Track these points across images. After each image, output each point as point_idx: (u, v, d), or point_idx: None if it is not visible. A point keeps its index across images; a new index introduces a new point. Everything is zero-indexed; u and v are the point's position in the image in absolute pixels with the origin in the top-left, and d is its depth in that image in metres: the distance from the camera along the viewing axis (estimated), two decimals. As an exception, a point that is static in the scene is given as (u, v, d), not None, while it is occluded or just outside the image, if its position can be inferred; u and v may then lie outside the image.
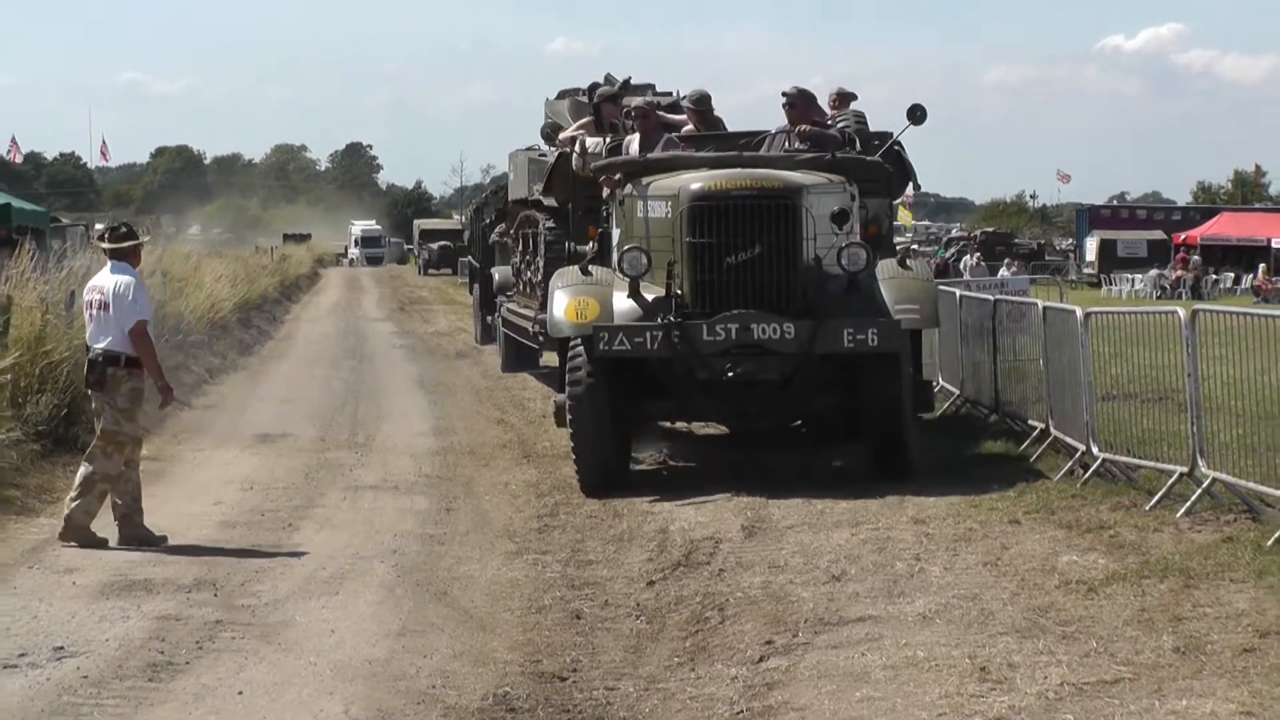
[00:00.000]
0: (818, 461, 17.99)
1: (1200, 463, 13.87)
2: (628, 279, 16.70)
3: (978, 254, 79.12)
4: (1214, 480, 13.68)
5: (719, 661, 10.65)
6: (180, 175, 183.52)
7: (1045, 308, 18.82)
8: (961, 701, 9.09)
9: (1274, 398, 13.21)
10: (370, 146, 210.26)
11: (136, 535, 14.93)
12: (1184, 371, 14.25)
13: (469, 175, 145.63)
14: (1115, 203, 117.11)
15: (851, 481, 16.54)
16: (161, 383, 15.19)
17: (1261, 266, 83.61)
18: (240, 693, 10.15)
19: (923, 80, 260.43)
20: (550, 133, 19.07)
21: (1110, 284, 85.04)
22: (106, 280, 15.12)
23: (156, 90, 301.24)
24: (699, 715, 9.48)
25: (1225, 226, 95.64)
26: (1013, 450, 18.14)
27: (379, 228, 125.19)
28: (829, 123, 19.14)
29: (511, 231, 27.21)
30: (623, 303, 16.79)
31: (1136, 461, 15.16)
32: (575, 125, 21.11)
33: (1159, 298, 72.37)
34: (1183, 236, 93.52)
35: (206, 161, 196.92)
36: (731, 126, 19.88)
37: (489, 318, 33.48)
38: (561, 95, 24.36)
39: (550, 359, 25.42)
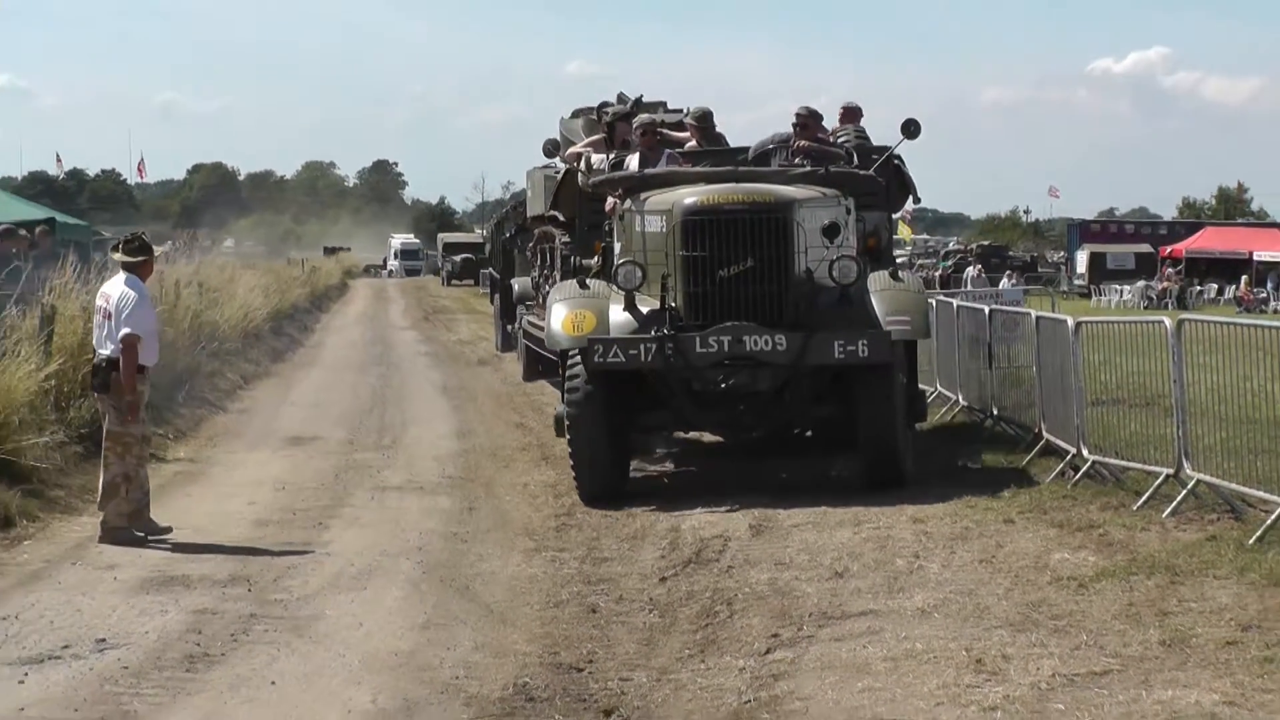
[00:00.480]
0: (816, 470, 17.78)
1: (1185, 465, 13.86)
2: (623, 292, 16.42)
3: (979, 266, 79.12)
4: (1198, 481, 13.68)
5: (728, 653, 10.65)
6: (216, 191, 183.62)
7: (1038, 317, 18.82)
8: (958, 692, 9.09)
9: (1256, 403, 13.20)
10: (396, 164, 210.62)
11: (146, 528, 15.07)
12: (1170, 378, 14.24)
13: (490, 191, 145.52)
14: (1104, 218, 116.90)
15: (852, 486, 16.44)
16: (131, 396, 15.10)
17: (1244, 278, 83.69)
18: (273, 683, 10.16)
19: (922, 100, 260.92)
20: (551, 149, 18.75)
21: (1100, 295, 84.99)
22: (114, 290, 15.27)
23: (193, 110, 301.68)
24: (709, 705, 9.48)
25: (1209, 240, 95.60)
26: (1007, 453, 18.13)
27: (417, 241, 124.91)
28: (832, 139, 18.94)
29: (531, 246, 27.12)
30: (619, 315, 16.42)
31: (1125, 464, 15.16)
32: (584, 142, 20.85)
33: (1146, 308, 72.33)
34: (1169, 250, 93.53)
35: (241, 178, 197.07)
36: (743, 143, 19.67)
37: (509, 326, 33.42)
38: (575, 114, 24.19)
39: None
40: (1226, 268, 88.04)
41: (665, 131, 19.29)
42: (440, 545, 14.76)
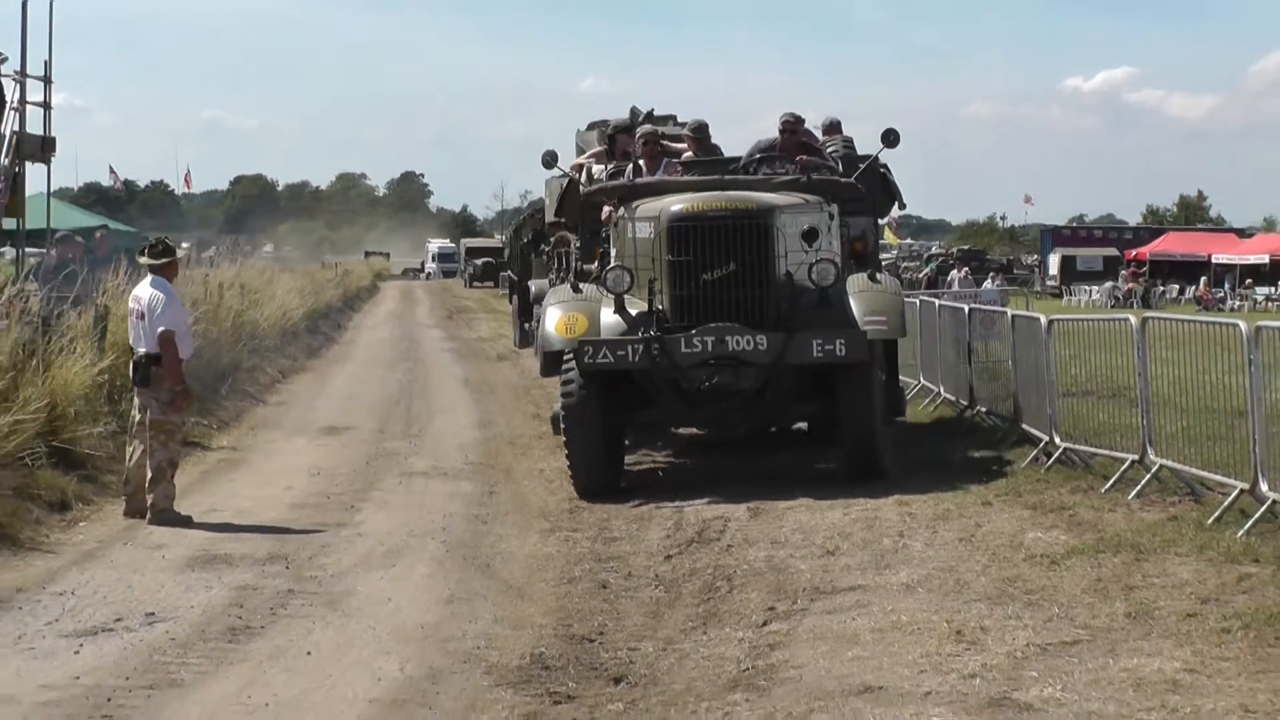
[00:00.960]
0: (806, 462, 17.55)
1: (1149, 451, 13.86)
2: (613, 296, 16.07)
3: (966, 269, 79.09)
4: (1161, 466, 13.67)
5: (728, 625, 10.65)
6: (256, 200, 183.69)
7: (1014, 316, 18.83)
8: (940, 660, 9.09)
9: (1214, 394, 13.20)
10: (422, 175, 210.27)
11: (171, 516, 15.13)
12: (1135, 371, 14.24)
13: (508, 200, 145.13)
14: (1075, 224, 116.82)
15: (840, 475, 16.19)
16: (181, 386, 15.33)
17: (1203, 279, 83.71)
18: (309, 653, 10.17)
19: (908, 115, 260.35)
20: (550, 159, 18.42)
21: (1070, 295, 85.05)
22: (144, 292, 15.52)
23: (235, 125, 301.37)
24: (710, 673, 9.47)
25: (1171, 244, 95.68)
26: (985, 441, 18.11)
27: (453, 245, 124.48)
28: (823, 146, 18.71)
29: (547, 250, 27.03)
30: (609, 318, 16.05)
31: (1093, 450, 15.14)
32: (587, 154, 20.52)
33: (1113, 307, 72.34)
34: (1134, 253, 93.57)
35: (279, 188, 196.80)
36: (742, 152, 19.40)
37: (526, 325, 33.31)
38: (591, 127, 24.01)
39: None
40: (1187, 270, 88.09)
41: (665, 143, 19.10)
42: (463, 526, 14.76)
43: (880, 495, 14.78)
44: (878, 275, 16.60)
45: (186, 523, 14.92)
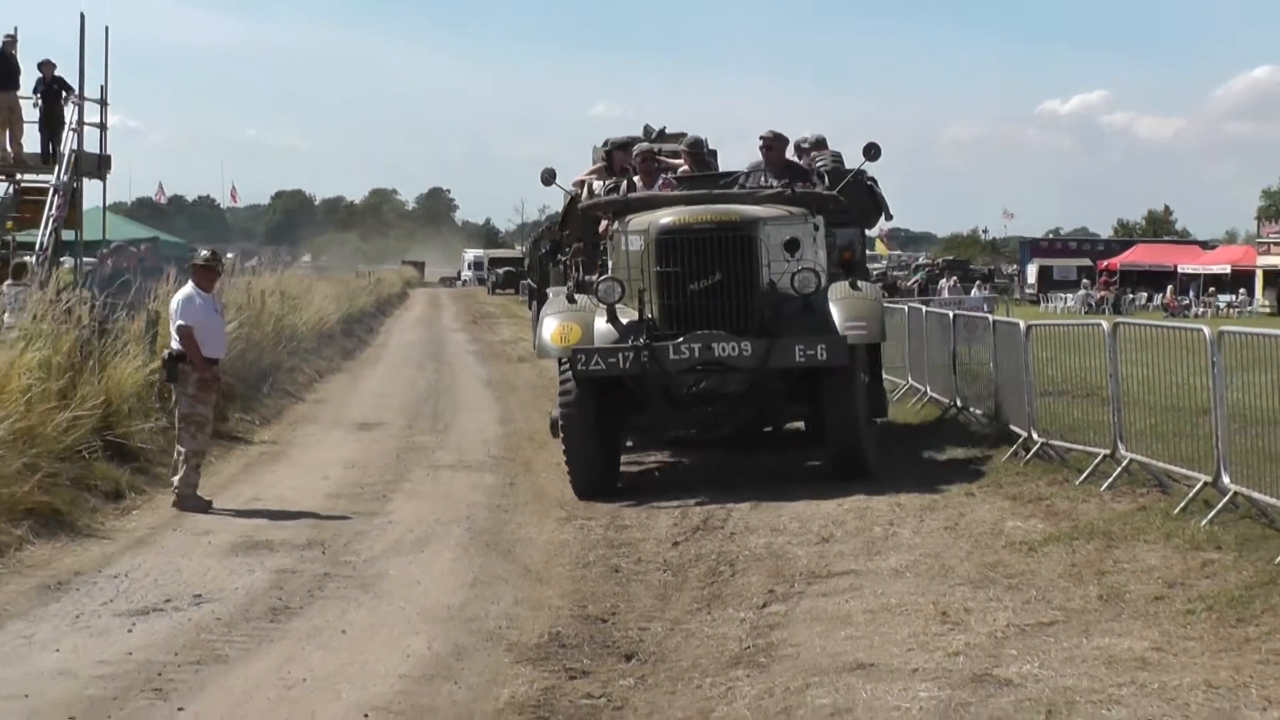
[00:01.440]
0: (800, 459, 17.36)
1: (1120, 446, 13.84)
2: (605, 306, 15.67)
3: (954, 278, 79.08)
4: (1131, 460, 13.66)
5: (730, 607, 10.64)
6: (295, 214, 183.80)
7: (995, 321, 18.82)
8: (926, 639, 9.08)
9: (1180, 394, 13.18)
10: (449, 190, 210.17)
11: (194, 502, 15.23)
12: (1107, 372, 14.22)
13: (528, 214, 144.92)
14: (1051, 236, 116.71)
15: (831, 471, 16.26)
16: (205, 373, 15.39)
17: (1169, 288, 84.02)
18: (343, 632, 10.17)
19: (896, 135, 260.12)
20: (548, 178, 18.03)
21: (1047, 301, 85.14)
22: (173, 297, 16.03)
23: (276, 144, 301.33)
24: (714, 650, 9.47)
25: (1140, 255, 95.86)
26: (969, 437, 18.09)
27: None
28: (811, 161, 18.29)
29: (565, 260, 26.88)
30: (602, 327, 15.68)
31: (1068, 445, 15.12)
32: (588, 170, 20.04)
33: (1086, 313, 72.29)
34: (1106, 263, 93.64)
35: (316, 203, 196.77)
36: (741, 168, 19.13)
37: (543, 329, 33.20)
38: (606, 144, 23.84)
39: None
40: (1154, 279, 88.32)
41: (663, 159, 18.87)
42: (486, 515, 14.76)
43: (871, 487, 14.77)
44: (859, 283, 16.21)
45: (206, 508, 15.03)
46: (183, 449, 15.26)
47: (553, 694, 8.65)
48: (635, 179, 17.97)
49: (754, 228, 15.69)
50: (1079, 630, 9.05)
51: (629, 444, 17.52)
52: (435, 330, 51.86)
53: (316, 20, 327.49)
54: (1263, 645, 8.40)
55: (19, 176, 29.90)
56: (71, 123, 29.46)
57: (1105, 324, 14.91)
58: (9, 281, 26.00)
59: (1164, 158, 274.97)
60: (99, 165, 30.99)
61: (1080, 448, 14.78)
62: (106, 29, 30.49)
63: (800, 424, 18.21)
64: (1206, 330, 12.50)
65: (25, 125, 29.58)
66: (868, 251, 25.57)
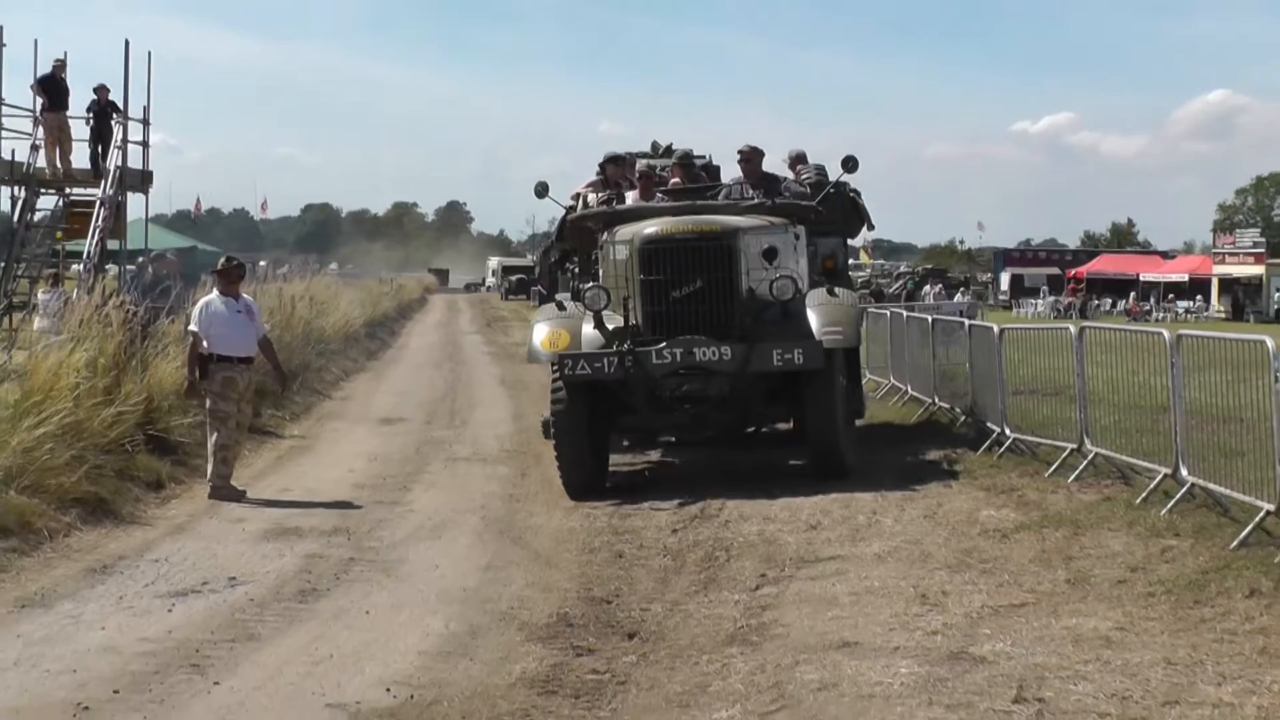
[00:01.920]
0: (779, 459, 16.93)
1: (1086, 441, 13.84)
2: (591, 313, 15.25)
3: (940, 285, 79.07)
4: (1096, 454, 13.66)
5: (725, 589, 10.64)
6: (323, 225, 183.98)
7: (970, 325, 18.83)
8: (907, 619, 9.08)
9: (1141, 393, 13.19)
10: (465, 203, 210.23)
11: (227, 491, 15.25)
12: (1074, 372, 14.21)
13: (538, 225, 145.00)
14: (1022, 246, 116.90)
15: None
16: (189, 378, 15.61)
17: (1132, 294, 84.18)
18: (367, 612, 10.17)
19: (879, 154, 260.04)
20: (541, 191, 17.64)
21: (1018, 307, 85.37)
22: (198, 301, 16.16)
23: (305, 161, 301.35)
24: (711, 629, 9.47)
25: (1105, 265, 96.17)
26: (946, 432, 18.10)
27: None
28: (797, 175, 18.02)
29: (572, 268, 26.64)
30: (589, 333, 15.29)
31: (1038, 440, 15.12)
32: (584, 184, 19.26)
33: (1055, 317, 72.44)
34: (1073, 272, 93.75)
35: (342, 215, 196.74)
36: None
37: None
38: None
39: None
40: (1118, 286, 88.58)
41: (664, 174, 18.64)
42: (499, 504, 14.77)
43: (855, 479, 14.76)
44: (836, 289, 15.79)
45: (240, 497, 15.05)
46: (211, 442, 15.32)
47: (561, 670, 8.65)
48: (627, 191, 17.71)
49: (734, 237, 15.30)
50: (1048, 611, 9.05)
51: (625, 444, 17.22)
52: (452, 333, 51.86)
53: (343, 47, 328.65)
54: (1217, 625, 8.40)
55: (68, 190, 29.93)
56: (117, 140, 29.50)
57: (1072, 328, 14.90)
58: (44, 288, 26.04)
59: (1127, 174, 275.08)
60: (142, 180, 31.00)
61: (1049, 442, 14.78)
62: (149, 54, 30.42)
63: (788, 425, 17.92)
64: (1166, 334, 12.51)
65: (74, 143, 29.65)
66: (852, 260, 25.47)
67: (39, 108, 29.28)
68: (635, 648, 9.21)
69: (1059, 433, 14.66)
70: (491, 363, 36.04)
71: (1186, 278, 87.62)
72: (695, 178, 18.32)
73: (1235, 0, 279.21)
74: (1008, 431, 15.68)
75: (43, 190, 29.54)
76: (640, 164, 18.52)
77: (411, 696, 8.05)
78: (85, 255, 27.88)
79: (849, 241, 19.90)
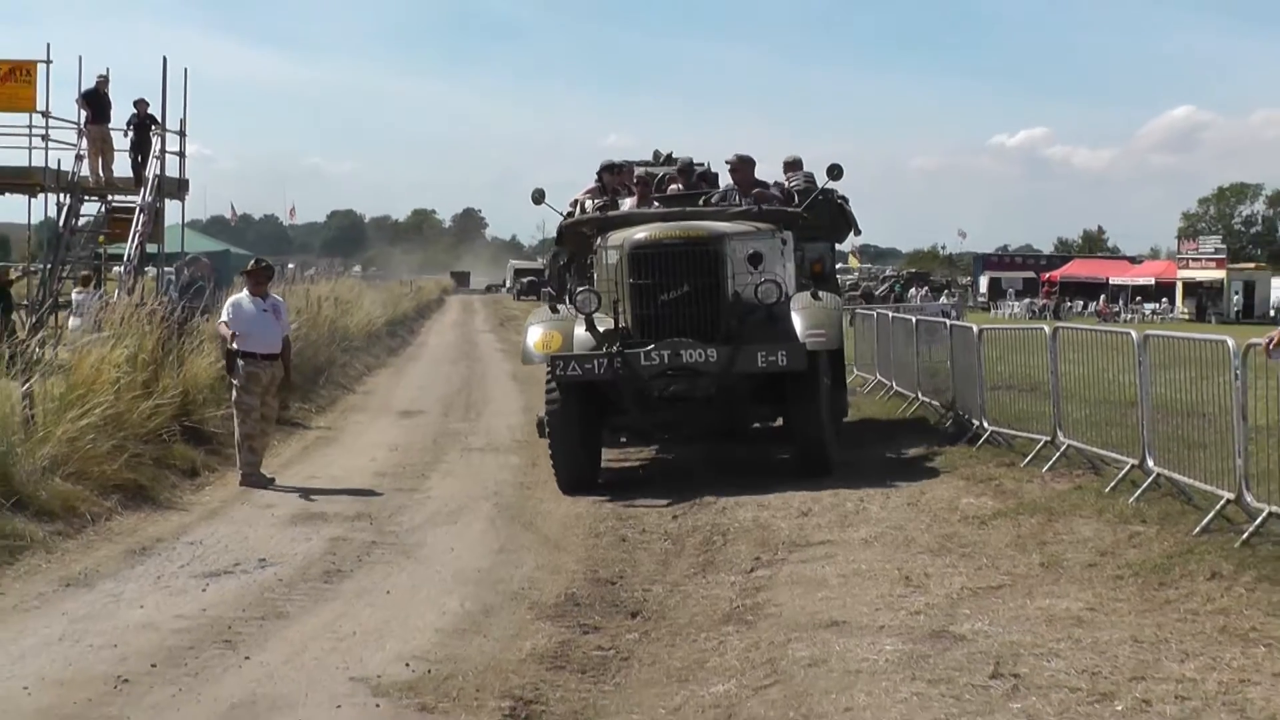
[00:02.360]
0: (770, 454, 16.71)
1: (1059, 433, 13.83)
2: (583, 315, 14.79)
3: (925, 288, 79.06)
4: (1068, 446, 13.65)
5: (722, 571, 10.64)
6: (347, 230, 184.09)
7: (951, 325, 18.81)
8: (892, 600, 9.08)
9: (1110, 389, 13.17)
10: (480, 210, 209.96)
11: (256, 479, 15.30)
12: (1048, 369, 14.21)
13: (549, 231, 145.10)
14: (1000, 252, 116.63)
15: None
16: (231, 376, 15.57)
17: (1102, 297, 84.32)
18: (388, 592, 10.18)
19: (868, 165, 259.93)
20: (538, 197, 17.39)
21: (996, 308, 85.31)
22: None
23: (330, 170, 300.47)
24: (708, 609, 9.47)
25: (1077, 269, 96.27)
26: (929, 425, 18.09)
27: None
28: (786, 181, 17.73)
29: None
30: (580, 335, 14.81)
31: (1014, 432, 15.11)
32: (583, 191, 18.95)
33: (1030, 318, 72.38)
34: (1047, 275, 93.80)
35: (365, 221, 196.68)
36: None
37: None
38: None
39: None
40: (1089, 289, 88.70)
41: (663, 181, 18.41)
42: (511, 491, 14.77)
43: (843, 468, 14.76)
44: (819, 293, 15.42)
45: (269, 484, 15.08)
46: (238, 433, 15.37)
47: (568, 646, 8.66)
48: (625, 198, 17.46)
49: (720, 243, 14.90)
50: (1023, 593, 9.05)
51: (622, 440, 16.81)
52: (467, 332, 51.84)
53: (368, 64, 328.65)
54: (1181, 606, 8.40)
55: (110, 198, 30.02)
56: (155, 151, 29.56)
57: (1047, 328, 14.91)
58: (78, 289, 26.08)
59: (1097, 184, 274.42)
60: (178, 188, 31.06)
61: (1025, 435, 14.77)
62: (185, 70, 30.47)
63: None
64: (1134, 334, 12.50)
65: (115, 153, 29.75)
66: (841, 264, 25.34)
67: (83, 120, 29.40)
68: (638, 626, 9.22)
69: (1034, 426, 14.65)
70: (504, 359, 35.99)
71: (1153, 281, 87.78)
72: (695, 185, 18.09)
73: (1198, 22, 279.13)
74: (986, 425, 15.67)
75: (86, 197, 29.69)
76: (638, 171, 18.25)
77: (429, 670, 8.06)
78: (126, 258, 27.98)
79: (837, 246, 19.60)
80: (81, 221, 29.44)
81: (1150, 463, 11.73)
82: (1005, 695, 6.80)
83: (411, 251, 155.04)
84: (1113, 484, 12.09)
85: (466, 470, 16.49)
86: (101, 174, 29.56)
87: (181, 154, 30.62)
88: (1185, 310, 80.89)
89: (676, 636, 8.83)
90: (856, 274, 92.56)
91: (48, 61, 28.79)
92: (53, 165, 29.29)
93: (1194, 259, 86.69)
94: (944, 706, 6.69)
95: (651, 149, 20.88)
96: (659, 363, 14.23)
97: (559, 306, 15.81)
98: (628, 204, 17.12)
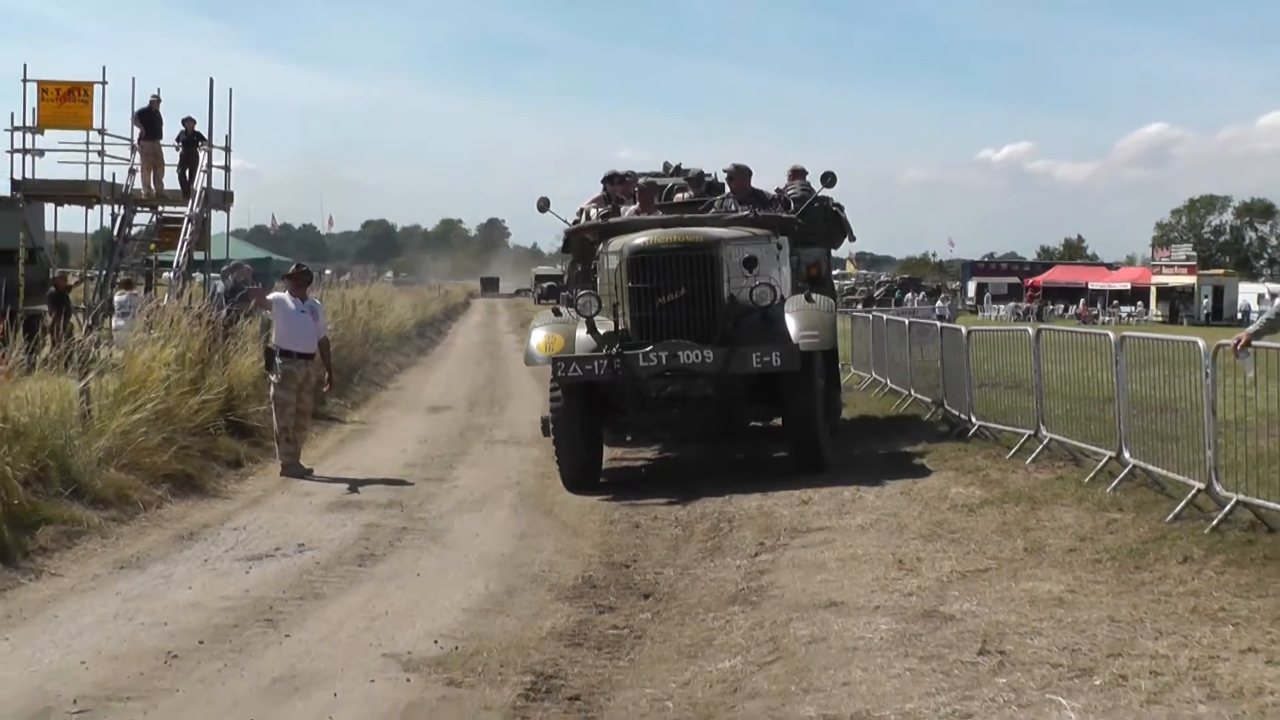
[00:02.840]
0: (764, 453, 16.55)
1: (1042, 428, 13.81)
2: (584, 318, 14.42)
3: (922, 293, 78.99)
4: (1050, 439, 13.62)
5: (728, 556, 10.64)
6: (379, 239, 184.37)
7: (942, 327, 18.79)
8: (886, 582, 9.07)
9: (1090, 386, 13.14)
10: (504, 220, 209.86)
11: (295, 469, 15.33)
12: (1031, 368, 14.19)
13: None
14: (987, 258, 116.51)
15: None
16: (269, 373, 15.67)
17: (1082, 301, 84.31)
18: (418, 574, 10.18)
19: (864, 176, 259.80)
20: (543, 205, 17.13)
21: (983, 311, 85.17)
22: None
23: (365, 182, 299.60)
24: (715, 590, 9.47)
25: (1058, 275, 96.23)
26: (920, 420, 18.06)
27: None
28: (784, 189, 17.54)
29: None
30: (582, 337, 14.41)
31: (1000, 427, 15.09)
32: (589, 200, 18.47)
33: (1015, 320, 72.28)
34: (1031, 281, 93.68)
35: (397, 230, 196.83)
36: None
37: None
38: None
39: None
40: (1070, 293, 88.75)
41: (670, 192, 18.20)
42: (532, 481, 14.76)
43: (840, 460, 14.75)
44: (813, 295, 14.99)
45: (308, 474, 15.11)
46: (276, 426, 15.41)
47: (585, 625, 8.66)
48: (628, 205, 17.10)
49: (716, 247, 14.46)
50: (1008, 575, 9.03)
51: (628, 439, 16.47)
52: (491, 333, 51.83)
53: (397, 83, 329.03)
54: (1155, 588, 8.38)
55: (160, 208, 30.14)
56: (203, 165, 29.68)
57: (1030, 330, 14.88)
58: (120, 292, 26.15)
59: (1077, 196, 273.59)
60: (224, 199, 31.17)
61: (1010, 429, 14.75)
62: (230, 90, 30.61)
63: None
64: (1111, 335, 12.48)
65: (166, 167, 29.91)
66: (839, 270, 25.27)
67: (137, 137, 29.61)
68: (650, 606, 9.22)
69: (1018, 421, 14.63)
70: (525, 358, 36.03)
71: (1129, 286, 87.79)
72: (704, 195, 17.80)
73: (1171, 46, 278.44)
74: (974, 420, 15.65)
75: (139, 208, 29.83)
76: (640, 180, 17.88)
77: (456, 647, 8.06)
78: (175, 264, 28.13)
79: (833, 252, 19.34)
80: (134, 231, 29.58)
81: (1126, 455, 11.71)
82: (991, 671, 6.79)
83: (440, 258, 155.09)
84: (1091, 475, 12.07)
85: (490, 462, 16.50)
86: (153, 187, 29.72)
87: (227, 168, 30.73)
88: (1159, 313, 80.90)
89: (686, 616, 8.82)
90: (853, 279, 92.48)
91: (103, 83, 28.99)
92: (108, 179, 29.50)
93: (1167, 266, 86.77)
94: (934, 681, 6.68)
95: (660, 161, 20.69)
96: (657, 364, 13.86)
97: (561, 310, 15.57)
98: (629, 211, 16.82)
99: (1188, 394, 10.65)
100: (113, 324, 22.99)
